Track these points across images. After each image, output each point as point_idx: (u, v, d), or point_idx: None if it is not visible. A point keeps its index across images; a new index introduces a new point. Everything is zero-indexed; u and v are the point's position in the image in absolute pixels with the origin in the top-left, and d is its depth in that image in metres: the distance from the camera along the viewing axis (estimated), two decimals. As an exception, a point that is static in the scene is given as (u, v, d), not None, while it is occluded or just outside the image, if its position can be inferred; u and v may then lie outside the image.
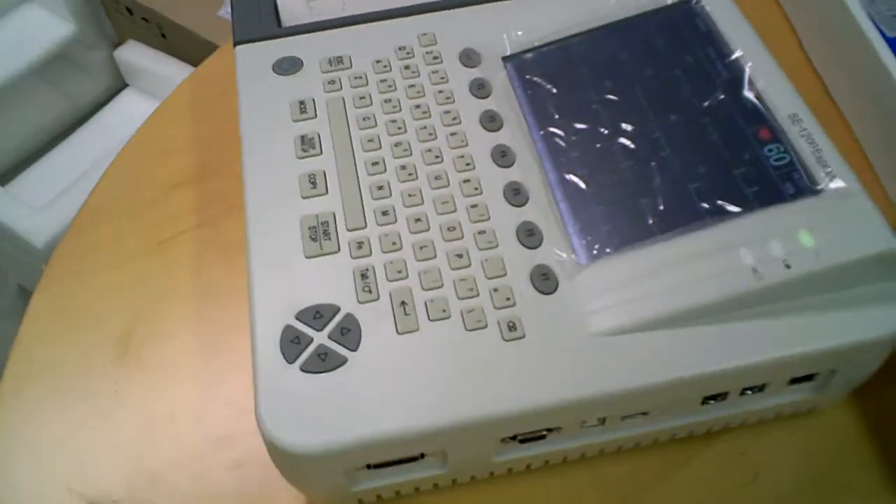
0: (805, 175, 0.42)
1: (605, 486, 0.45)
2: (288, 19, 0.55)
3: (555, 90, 0.49)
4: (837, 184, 0.41)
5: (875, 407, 0.46)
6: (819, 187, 0.42)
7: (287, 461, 0.38)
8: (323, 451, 0.37)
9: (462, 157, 0.46)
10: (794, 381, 0.42)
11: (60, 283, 0.54)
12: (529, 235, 0.43)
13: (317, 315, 0.40)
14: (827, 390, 0.42)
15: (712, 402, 0.41)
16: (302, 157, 0.47)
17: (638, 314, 0.39)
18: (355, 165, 0.46)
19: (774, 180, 0.42)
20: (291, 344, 0.39)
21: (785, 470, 0.45)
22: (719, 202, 0.42)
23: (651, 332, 0.39)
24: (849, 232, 0.40)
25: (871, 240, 0.40)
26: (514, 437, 0.40)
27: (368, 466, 0.39)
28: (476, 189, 0.45)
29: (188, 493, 0.45)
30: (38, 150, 1.36)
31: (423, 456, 0.40)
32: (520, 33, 0.52)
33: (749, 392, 0.42)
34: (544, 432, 0.40)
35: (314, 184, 0.45)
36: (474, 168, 0.46)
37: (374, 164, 0.46)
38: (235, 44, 0.53)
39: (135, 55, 1.37)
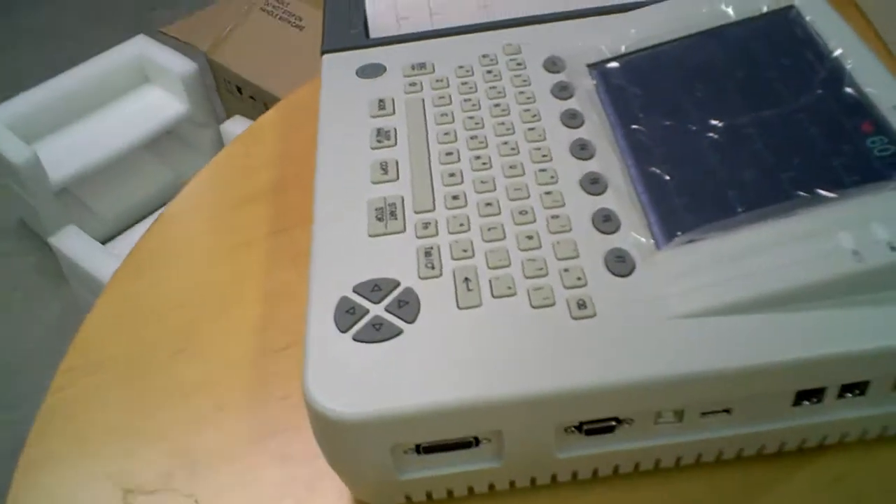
0: (913, 163, 0.38)
1: (680, 502, 0.40)
2: (377, 32, 0.55)
3: (641, 91, 0.47)
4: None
5: None
6: (929, 174, 0.38)
7: (331, 433, 0.35)
8: (369, 420, 0.34)
9: (539, 149, 0.44)
10: (903, 385, 0.37)
11: (130, 281, 0.53)
12: (606, 221, 0.40)
13: (375, 288, 0.38)
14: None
15: (806, 403, 0.37)
16: (376, 148, 0.46)
17: (723, 297, 0.36)
18: (429, 155, 0.45)
19: (877, 168, 0.39)
20: (346, 314, 0.37)
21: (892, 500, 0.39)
22: (816, 189, 0.39)
23: (737, 315, 0.35)
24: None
25: None
26: (578, 428, 0.36)
27: (418, 450, 0.36)
28: (552, 178, 0.43)
29: (231, 485, 0.42)
30: (140, 218, 1.41)
31: (477, 442, 0.36)
32: (607, 43, 0.51)
33: (849, 395, 0.37)
34: (613, 423, 0.36)
35: (385, 170, 0.44)
36: (551, 160, 0.44)
37: (448, 154, 0.45)
38: (323, 52, 0.54)
39: (240, 129, 1.43)
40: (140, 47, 1.44)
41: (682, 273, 0.37)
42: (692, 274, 0.37)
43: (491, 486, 0.39)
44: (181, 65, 1.37)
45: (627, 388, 0.34)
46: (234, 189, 0.59)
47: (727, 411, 0.37)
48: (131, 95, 1.45)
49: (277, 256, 0.54)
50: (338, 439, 0.36)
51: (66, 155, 1.33)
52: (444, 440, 0.36)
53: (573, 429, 0.36)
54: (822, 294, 0.35)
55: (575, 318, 0.36)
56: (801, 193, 0.39)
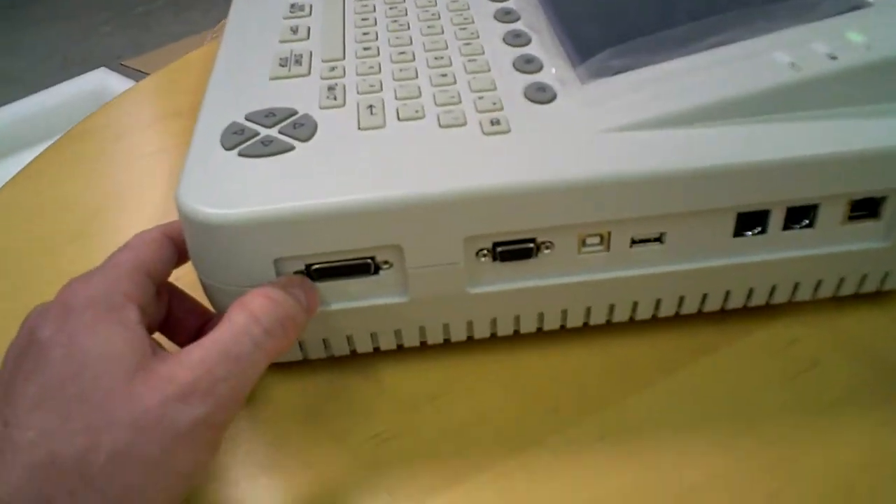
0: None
1: (614, 367, 0.35)
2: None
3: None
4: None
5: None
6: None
7: (207, 241, 0.31)
8: (245, 221, 0.30)
9: (462, 16, 0.42)
10: (854, 217, 0.33)
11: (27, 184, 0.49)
12: (528, 62, 0.37)
13: (269, 115, 0.35)
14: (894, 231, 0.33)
15: (748, 234, 0.33)
16: (288, 18, 0.43)
17: (652, 110, 0.32)
18: (343, 19, 0.42)
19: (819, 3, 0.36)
20: (233, 135, 0.34)
21: (848, 360, 0.35)
22: (752, 22, 0.36)
23: (669, 129, 0.32)
24: (907, 25, 0.33)
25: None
26: (492, 253, 0.32)
27: (311, 276, 0.32)
28: (472, 34, 0.40)
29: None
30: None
31: (376, 269, 0.32)
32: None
33: (796, 227, 0.33)
34: (530, 245, 0.32)
35: (295, 31, 0.41)
36: (473, 22, 0.41)
37: (364, 19, 0.42)
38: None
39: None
40: (100, 78, 1.43)
41: (606, 97, 0.34)
42: (619, 96, 0.34)
43: (399, 344, 0.35)
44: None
45: (539, 191, 0.30)
46: (157, 107, 0.55)
47: (659, 240, 0.33)
48: (89, 126, 1.43)
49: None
50: (216, 251, 0.31)
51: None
52: (337, 260, 0.31)
53: (485, 252, 0.32)
54: (759, 107, 0.32)
55: (486, 134, 0.33)
56: (736, 26, 0.36)
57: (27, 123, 1.36)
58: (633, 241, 0.33)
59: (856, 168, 0.31)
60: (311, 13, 0.43)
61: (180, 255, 0.32)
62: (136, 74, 1.45)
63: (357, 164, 0.31)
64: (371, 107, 0.34)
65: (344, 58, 0.39)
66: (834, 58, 0.32)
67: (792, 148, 0.31)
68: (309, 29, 0.41)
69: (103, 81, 1.41)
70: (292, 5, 0.44)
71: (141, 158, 0.52)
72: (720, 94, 0.32)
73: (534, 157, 0.31)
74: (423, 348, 0.35)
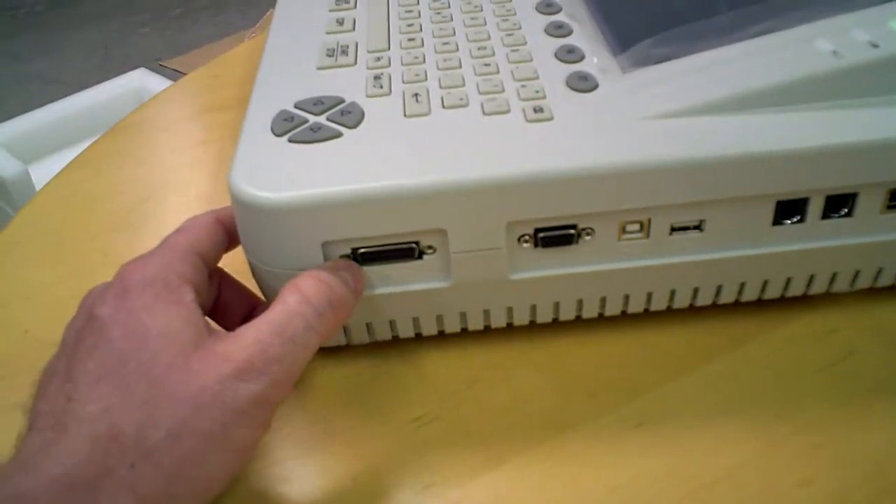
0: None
1: (651, 355, 0.36)
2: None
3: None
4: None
5: None
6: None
7: (257, 223, 0.32)
8: (296, 204, 0.31)
9: (503, 4, 0.42)
10: (893, 206, 0.33)
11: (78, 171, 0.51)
12: (569, 52, 0.37)
13: (318, 103, 0.36)
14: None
15: (787, 222, 0.33)
16: (334, 10, 0.44)
17: (694, 97, 0.33)
18: (388, 11, 0.43)
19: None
20: (283, 122, 0.34)
21: (885, 350, 0.35)
22: (793, 11, 0.36)
23: (711, 115, 0.32)
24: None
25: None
26: (534, 239, 0.33)
27: (357, 259, 0.32)
28: (514, 25, 0.40)
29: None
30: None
31: (420, 254, 0.33)
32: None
33: (835, 215, 0.33)
34: (571, 231, 0.32)
35: (341, 23, 0.42)
36: (515, 14, 0.41)
37: (408, 11, 0.43)
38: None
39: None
40: (140, 78, 1.45)
41: (647, 85, 0.34)
42: (660, 84, 0.34)
43: (441, 330, 0.35)
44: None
45: (582, 176, 0.31)
46: (199, 101, 0.57)
47: (699, 228, 0.33)
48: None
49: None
50: (265, 233, 0.32)
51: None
52: (383, 244, 0.32)
53: (527, 238, 0.33)
54: (800, 95, 0.32)
55: (530, 121, 0.33)
56: (779, 16, 0.36)
57: (69, 122, 1.39)
58: (673, 229, 0.33)
59: (894, 156, 0.31)
60: (356, 6, 0.44)
61: (230, 240, 0.33)
62: (175, 74, 1.48)
63: (403, 150, 0.32)
64: (416, 95, 0.35)
65: (389, 48, 0.39)
66: (875, 46, 0.32)
67: (830, 135, 0.31)
68: (354, 21, 0.42)
69: (143, 81, 1.44)
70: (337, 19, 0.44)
71: (186, 149, 0.53)
72: (760, 81, 0.32)
73: (575, 144, 0.31)
74: (463, 335, 0.36)
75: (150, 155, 0.53)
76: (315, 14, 0.43)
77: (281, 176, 0.31)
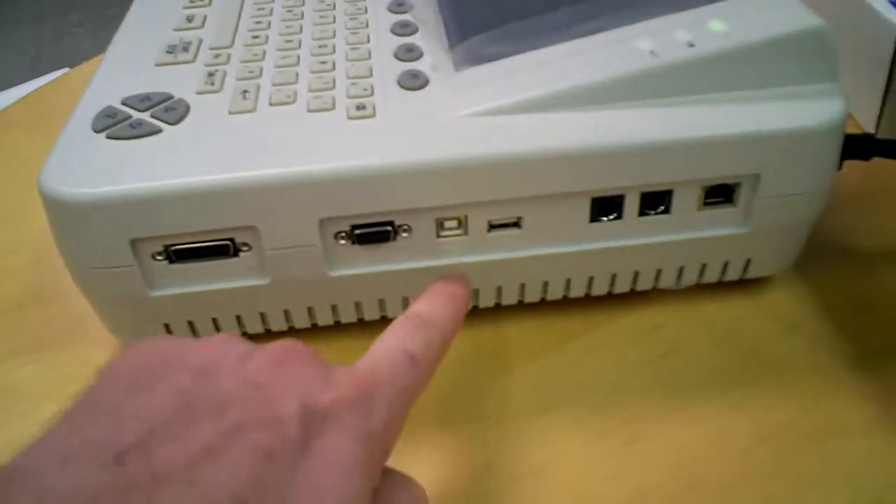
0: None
1: (481, 351, 0.36)
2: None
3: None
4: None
5: (824, 286, 0.37)
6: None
7: (63, 221, 0.31)
8: (100, 200, 0.30)
9: (355, 3, 0.42)
10: (710, 203, 0.34)
11: None
12: (408, 51, 0.38)
13: (144, 99, 0.35)
14: (752, 218, 0.34)
15: (604, 219, 0.34)
16: (187, 7, 0.43)
17: (512, 96, 0.33)
18: (241, 9, 0.43)
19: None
20: (105, 118, 0.34)
21: (709, 345, 0.35)
22: (625, 10, 0.36)
23: (529, 114, 0.32)
24: (766, 15, 0.34)
25: (790, 20, 0.33)
26: (350, 236, 0.32)
27: (169, 258, 0.32)
28: (361, 24, 0.40)
29: None
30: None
31: (235, 251, 0.32)
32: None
33: (651, 212, 0.34)
34: (388, 228, 0.32)
35: (191, 20, 0.42)
36: (365, 12, 0.41)
37: (260, 9, 0.43)
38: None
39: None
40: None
41: (474, 83, 0.34)
42: (485, 83, 0.34)
43: (266, 328, 0.35)
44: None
45: (392, 173, 0.31)
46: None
47: (517, 225, 0.33)
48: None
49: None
50: (71, 231, 0.31)
51: None
52: (195, 242, 0.32)
53: (344, 235, 0.32)
54: (617, 93, 0.33)
55: (351, 118, 0.33)
56: (607, 13, 0.36)
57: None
58: (491, 226, 0.33)
59: (705, 154, 0.32)
60: (210, 3, 0.44)
61: None
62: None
63: (218, 147, 0.32)
64: (245, 92, 0.35)
65: (232, 45, 0.39)
66: (692, 45, 0.33)
67: (642, 132, 0.31)
68: (205, 18, 0.42)
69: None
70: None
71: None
72: (578, 80, 0.33)
73: (389, 141, 0.31)
74: (293, 333, 0.36)
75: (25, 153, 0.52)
76: (168, 11, 0.43)
77: (90, 173, 0.31)
